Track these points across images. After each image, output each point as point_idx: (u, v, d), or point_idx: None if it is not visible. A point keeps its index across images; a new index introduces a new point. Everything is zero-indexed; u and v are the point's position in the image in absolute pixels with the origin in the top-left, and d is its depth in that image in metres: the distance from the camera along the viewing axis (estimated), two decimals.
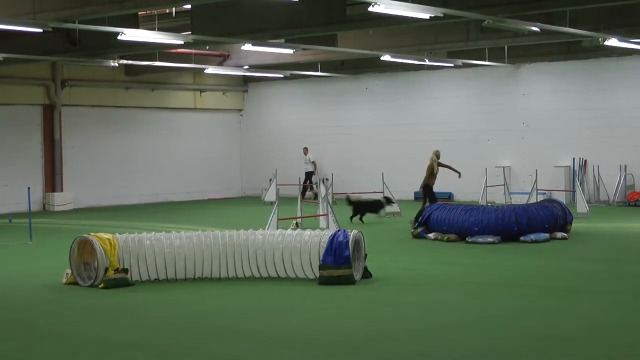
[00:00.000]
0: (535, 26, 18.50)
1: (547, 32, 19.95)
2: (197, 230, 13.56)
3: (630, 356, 8.27)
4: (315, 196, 28.02)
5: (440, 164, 21.01)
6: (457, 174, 21.65)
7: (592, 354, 8.33)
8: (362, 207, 22.00)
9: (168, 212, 26.42)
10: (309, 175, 31.23)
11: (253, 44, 20.39)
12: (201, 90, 32.68)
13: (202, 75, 31.48)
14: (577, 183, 23.58)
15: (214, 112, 33.50)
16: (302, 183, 30.19)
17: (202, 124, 33.15)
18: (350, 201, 22.02)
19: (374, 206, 22.17)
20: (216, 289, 12.36)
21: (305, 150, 31.46)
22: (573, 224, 18.60)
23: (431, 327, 9.59)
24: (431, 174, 20.96)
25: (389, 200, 22.59)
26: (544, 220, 17.52)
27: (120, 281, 12.49)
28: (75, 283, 12.71)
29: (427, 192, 20.99)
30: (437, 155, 21.22)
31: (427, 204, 20.28)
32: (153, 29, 19.03)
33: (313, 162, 31.39)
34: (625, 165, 25.87)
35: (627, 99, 26.07)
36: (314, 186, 30.14)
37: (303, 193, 29.38)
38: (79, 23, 17.59)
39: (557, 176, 26.56)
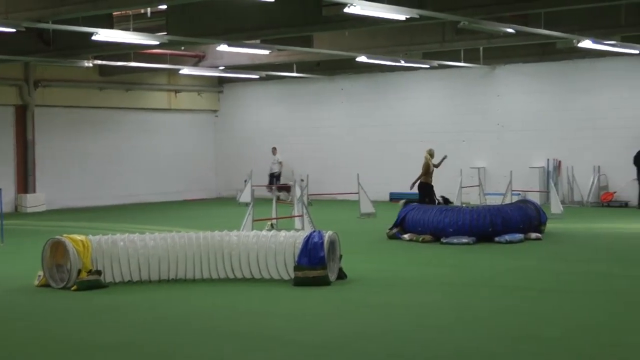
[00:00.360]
0: (510, 28, 18.56)
1: (522, 33, 20.01)
2: (172, 232, 13.49)
3: (611, 356, 8.29)
4: (279, 198, 28.09)
5: (434, 165, 21.32)
6: (446, 158, 22.43)
7: (573, 354, 8.34)
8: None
9: (142, 213, 26.29)
10: (275, 175, 31.10)
11: (228, 45, 20.32)
12: (176, 91, 32.57)
13: (177, 76, 31.36)
14: (552, 184, 23.69)
15: (189, 112, 33.39)
16: (268, 184, 30.18)
17: (177, 124, 33.04)
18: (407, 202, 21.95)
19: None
20: (191, 291, 12.30)
21: (274, 150, 31.35)
22: (547, 225, 18.68)
23: (407, 328, 9.58)
24: (426, 173, 21.10)
25: (446, 201, 22.63)
26: (518, 220, 17.58)
27: (93, 283, 12.39)
28: (48, 285, 12.58)
29: (424, 191, 21.07)
30: (431, 154, 21.40)
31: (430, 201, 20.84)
32: (128, 29, 18.93)
33: (280, 163, 31.25)
34: (599, 166, 26.03)
35: (600, 100, 26.23)
36: (274, 187, 30.11)
37: (278, 189, 29.32)
38: (52, 23, 17.46)
39: (532, 177, 26.70)
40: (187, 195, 32.56)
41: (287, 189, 29.08)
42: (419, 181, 21.52)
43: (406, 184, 28.56)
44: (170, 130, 32.74)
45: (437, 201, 21.88)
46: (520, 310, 10.53)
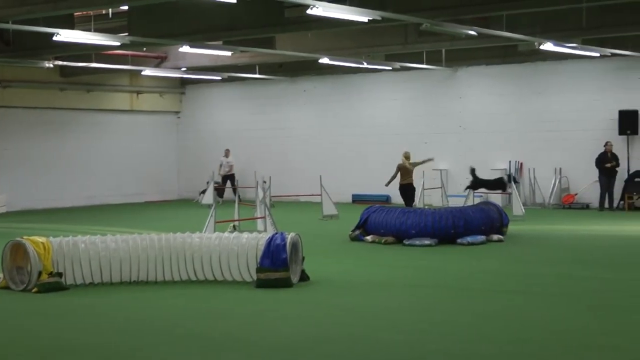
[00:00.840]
0: (472, 30, 18.66)
1: (484, 36, 20.12)
2: (133, 233, 13.40)
3: (573, 358, 8.34)
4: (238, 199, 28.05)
5: (412, 164, 21.37)
6: (430, 161, 22.61)
7: (534, 357, 8.39)
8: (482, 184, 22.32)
9: (104, 215, 26.08)
10: (227, 177, 30.95)
11: (190, 46, 20.25)
12: (138, 92, 32.36)
13: (138, 77, 31.17)
14: (513, 186, 23.81)
15: (151, 114, 33.19)
16: (222, 185, 30.07)
17: (139, 126, 32.82)
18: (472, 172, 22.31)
19: (497, 185, 22.54)
20: (153, 293, 12.21)
21: (227, 152, 31.23)
22: (509, 226, 18.80)
23: (369, 330, 9.57)
24: (404, 174, 21.20)
25: (511, 179, 22.70)
26: (480, 222, 17.65)
27: (54, 285, 12.26)
28: (8, 287, 12.43)
29: (404, 192, 21.25)
30: (406, 156, 21.49)
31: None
32: (89, 30, 18.78)
33: (231, 166, 31.07)
34: (560, 169, 26.23)
35: (562, 102, 26.45)
36: (230, 188, 30.05)
37: (224, 194, 29.22)
38: (12, 23, 17.29)
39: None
40: (148, 197, 32.36)
41: (221, 190, 29.20)
42: (399, 184, 21.57)
43: (369, 185, 28.76)
44: (132, 132, 32.52)
45: (413, 203, 21.96)
46: (483, 312, 10.56)
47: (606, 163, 24.99)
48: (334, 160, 30.17)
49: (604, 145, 25.10)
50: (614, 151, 25.04)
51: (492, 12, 18.10)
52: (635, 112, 25.08)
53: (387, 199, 28.31)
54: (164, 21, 19.13)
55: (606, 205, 25.12)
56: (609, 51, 23.21)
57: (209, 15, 18.89)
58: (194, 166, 33.17)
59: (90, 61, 24.78)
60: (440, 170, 27.03)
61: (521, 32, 19.89)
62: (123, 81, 31.67)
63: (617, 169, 25.02)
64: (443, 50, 25.50)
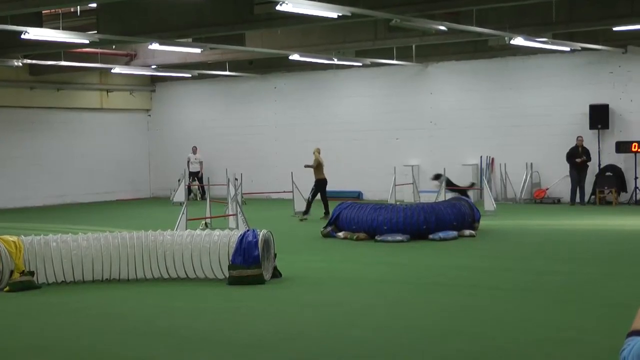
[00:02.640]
0: (442, 25, 18.68)
1: (454, 31, 20.17)
2: (105, 232, 13.32)
3: (539, 351, 8.37)
4: (201, 196, 28.08)
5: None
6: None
7: (502, 350, 8.42)
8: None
9: (75, 214, 25.91)
10: (194, 174, 30.88)
11: (160, 44, 20.12)
12: (108, 90, 32.17)
13: (108, 75, 30.97)
14: (485, 181, 23.90)
15: (121, 112, 33.01)
16: (190, 183, 29.98)
17: (109, 124, 32.63)
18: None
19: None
20: (125, 291, 12.14)
21: (195, 149, 31.12)
22: (481, 222, 18.85)
23: (341, 327, 9.56)
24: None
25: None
26: (452, 218, 17.69)
27: (26, 284, 12.19)
28: None
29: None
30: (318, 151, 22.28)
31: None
32: (57, 28, 18.63)
33: (200, 162, 31.01)
34: (531, 164, 26.34)
35: (532, 97, 26.57)
36: (196, 186, 30.02)
37: (189, 192, 29.16)
38: None
39: (465, 174, 26.91)
40: (120, 195, 32.20)
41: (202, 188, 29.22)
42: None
43: (340, 182, 28.78)
44: (103, 130, 32.33)
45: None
46: (453, 307, 10.58)
47: (577, 157, 25.13)
48: (305, 157, 30.09)
49: (576, 140, 25.27)
50: (585, 145, 25.19)
51: (462, 7, 18.15)
52: (606, 106, 25.23)
53: (358, 196, 28.33)
54: (133, 19, 19.02)
55: (577, 199, 25.27)
56: (579, 45, 23.30)
57: (179, 13, 18.80)
58: (165, 164, 33.04)
59: (60, 59, 24.58)
60: (412, 166, 27.08)
61: (491, 27, 19.95)
62: (93, 79, 31.46)
63: (588, 163, 25.16)
64: (413, 46, 25.54)
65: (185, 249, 12.65)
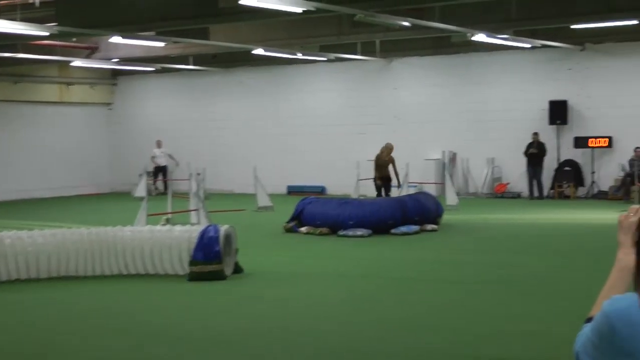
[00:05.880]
0: (405, 21, 18.69)
1: (417, 27, 20.17)
2: (63, 228, 13.14)
3: (497, 342, 8.38)
4: (162, 192, 27.90)
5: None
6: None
7: (459, 343, 8.41)
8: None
9: (33, 209, 25.57)
10: (160, 169, 30.65)
11: (122, 37, 19.92)
12: (68, 84, 31.80)
13: (68, 68, 30.58)
14: (447, 176, 23.94)
15: (82, 105, 32.64)
16: (154, 178, 29.80)
17: (69, 118, 32.25)
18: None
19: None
20: (83, 288, 11.98)
21: (159, 143, 30.93)
22: (443, 216, 18.90)
23: (304, 322, 9.51)
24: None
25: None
26: (415, 212, 17.71)
27: None
28: None
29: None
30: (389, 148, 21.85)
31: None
32: (15, 19, 18.35)
33: (169, 155, 30.78)
34: (493, 158, 26.48)
35: (494, 93, 26.69)
36: (153, 181, 29.78)
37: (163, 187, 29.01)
38: None
39: (428, 169, 26.98)
40: (80, 190, 31.82)
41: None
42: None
43: (304, 177, 28.77)
44: (62, 124, 31.94)
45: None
46: (418, 301, 10.59)
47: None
48: (269, 152, 30.06)
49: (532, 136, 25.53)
50: (541, 141, 25.39)
51: (425, 4, 18.16)
52: (565, 102, 25.42)
53: (322, 190, 28.30)
54: (93, 11, 18.77)
55: (536, 193, 25.45)
56: (539, 42, 23.49)
57: (141, 5, 18.59)
58: (127, 158, 32.74)
59: (17, 52, 24.22)
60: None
61: (454, 23, 19.99)
62: (52, 72, 31.06)
63: (544, 158, 25.34)
64: (377, 41, 25.55)
65: (145, 245, 12.52)
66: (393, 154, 21.89)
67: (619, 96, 24.72)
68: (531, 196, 25.46)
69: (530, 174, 25.52)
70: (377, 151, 22.41)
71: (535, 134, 25.41)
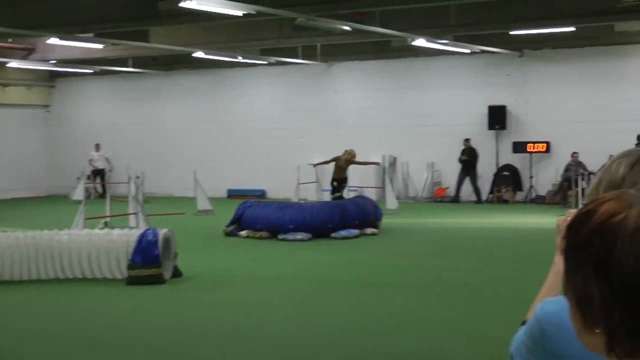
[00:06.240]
0: (346, 25, 18.76)
1: (358, 31, 20.27)
2: None
3: (430, 346, 8.44)
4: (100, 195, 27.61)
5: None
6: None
7: (399, 346, 8.45)
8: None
9: None
10: (98, 172, 30.35)
11: (60, 38, 19.67)
12: (4, 85, 31.27)
13: (4, 69, 30.05)
14: (387, 180, 24.07)
15: (18, 107, 32.11)
16: (93, 181, 29.47)
17: (5, 120, 31.68)
18: None
19: None
20: (19, 292, 11.78)
21: (97, 146, 30.61)
22: (383, 220, 18.99)
23: (243, 325, 9.47)
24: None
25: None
26: (355, 216, 17.77)
27: None
28: None
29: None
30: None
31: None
32: None
33: (106, 159, 30.50)
34: (433, 163, 26.68)
35: (434, 98, 26.90)
36: (92, 184, 29.46)
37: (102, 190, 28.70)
38: None
39: (368, 173, 27.06)
40: (16, 193, 31.28)
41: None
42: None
43: (244, 180, 28.67)
44: None
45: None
46: (359, 305, 10.61)
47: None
48: (209, 155, 29.92)
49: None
50: (473, 146, 25.61)
51: (365, 8, 18.24)
52: (503, 107, 25.73)
53: (262, 194, 28.24)
54: (30, 12, 18.52)
55: (473, 197, 25.70)
56: (478, 48, 23.76)
57: (80, 7, 18.40)
58: (65, 161, 32.30)
59: None
60: (315, 164, 27.05)
61: (394, 28, 20.12)
62: None
63: (476, 163, 25.54)
64: (318, 45, 25.59)
65: (83, 249, 12.35)
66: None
67: (557, 102, 25.10)
68: (455, 199, 25.65)
69: (460, 179, 25.74)
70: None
71: (467, 140, 25.67)
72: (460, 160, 25.61)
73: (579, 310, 1.40)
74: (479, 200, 25.66)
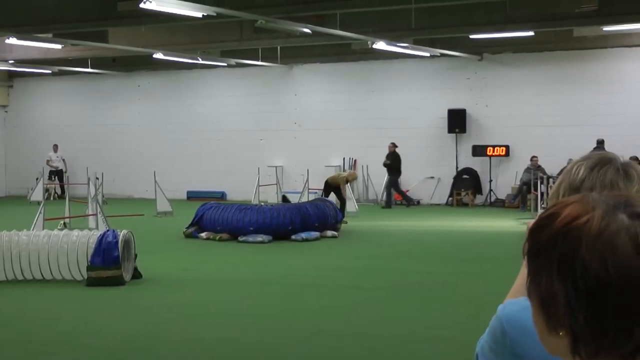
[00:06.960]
0: (306, 28, 18.81)
1: (318, 34, 20.34)
2: None
3: (395, 346, 8.51)
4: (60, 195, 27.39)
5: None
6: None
7: (358, 348, 8.51)
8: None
9: None
10: (56, 173, 30.14)
11: (18, 38, 19.51)
12: None
13: None
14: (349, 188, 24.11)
15: None
16: (51, 181, 29.25)
17: None
18: None
19: None
20: None
21: (56, 147, 30.40)
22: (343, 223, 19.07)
23: (202, 328, 9.47)
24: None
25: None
26: (315, 219, 17.82)
27: None
28: None
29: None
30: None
31: None
32: None
33: (63, 160, 30.31)
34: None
35: (393, 100, 27.02)
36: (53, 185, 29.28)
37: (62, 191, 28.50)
38: None
39: (328, 175, 27.02)
40: None
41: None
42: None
43: (204, 182, 28.62)
44: None
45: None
46: (318, 307, 10.66)
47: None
48: (169, 157, 29.82)
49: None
50: (396, 152, 25.39)
51: (325, 11, 18.32)
52: (463, 111, 25.92)
53: (222, 196, 28.20)
54: None
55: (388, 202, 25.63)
56: (438, 51, 23.91)
57: (38, 6, 18.27)
58: (23, 162, 32.02)
59: None
60: (275, 166, 27.13)
61: (355, 31, 20.20)
62: None
63: (400, 168, 25.35)
64: (278, 48, 25.61)
65: (42, 250, 12.27)
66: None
67: (517, 106, 25.34)
68: (387, 205, 25.53)
69: (387, 183, 25.73)
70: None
71: (392, 144, 25.56)
72: (384, 165, 25.53)
73: (543, 312, 1.39)
74: (387, 205, 25.42)
